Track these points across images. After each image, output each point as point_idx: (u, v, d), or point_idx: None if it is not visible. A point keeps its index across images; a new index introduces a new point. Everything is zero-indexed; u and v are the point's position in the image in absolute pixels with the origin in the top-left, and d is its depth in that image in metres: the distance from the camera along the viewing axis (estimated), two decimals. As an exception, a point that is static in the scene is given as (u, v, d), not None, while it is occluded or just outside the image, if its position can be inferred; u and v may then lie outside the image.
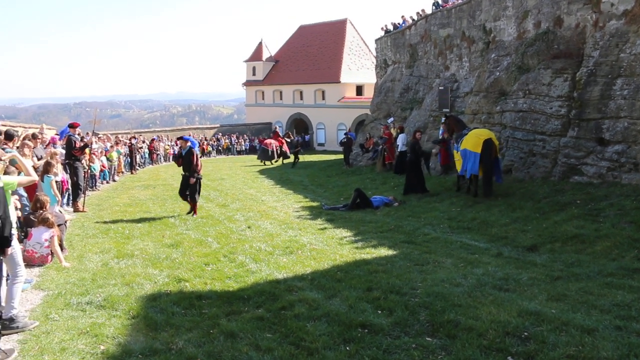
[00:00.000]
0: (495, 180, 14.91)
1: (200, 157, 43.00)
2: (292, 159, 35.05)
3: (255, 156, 39.20)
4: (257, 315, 6.57)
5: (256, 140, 51.39)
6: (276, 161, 35.90)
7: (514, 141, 17.03)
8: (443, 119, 19.82)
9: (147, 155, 35.34)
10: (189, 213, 14.89)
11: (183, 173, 14.98)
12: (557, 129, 15.23)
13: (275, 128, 42.33)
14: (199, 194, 15.21)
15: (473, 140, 14.94)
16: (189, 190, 14.80)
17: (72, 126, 16.23)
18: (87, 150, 16.77)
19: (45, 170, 11.70)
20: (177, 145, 41.18)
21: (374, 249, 10.24)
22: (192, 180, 14.69)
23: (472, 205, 14.51)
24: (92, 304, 7.15)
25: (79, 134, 16.78)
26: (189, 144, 15.07)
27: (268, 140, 36.98)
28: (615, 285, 7.32)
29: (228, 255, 9.89)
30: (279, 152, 35.88)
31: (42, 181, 11.54)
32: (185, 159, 14.96)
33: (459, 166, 16.17)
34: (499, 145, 16.06)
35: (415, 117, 26.16)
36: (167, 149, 39.40)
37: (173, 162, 38.16)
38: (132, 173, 29.17)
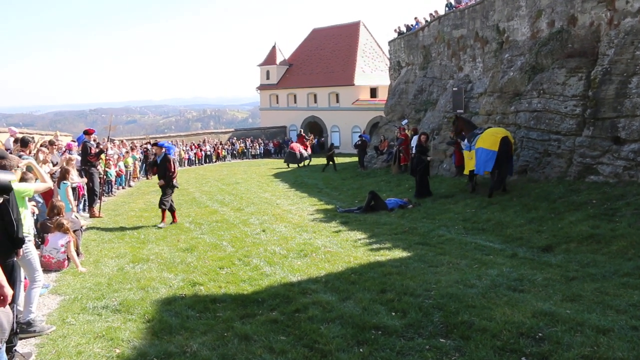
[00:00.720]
0: (509, 176, 15.65)
1: (215, 161, 43.10)
2: (308, 162, 35.74)
3: (270, 159, 39.26)
4: (271, 318, 6.60)
5: (271, 144, 51.57)
6: (302, 164, 36.16)
7: (528, 141, 16.94)
8: (453, 118, 19.87)
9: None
10: (171, 223, 14.24)
11: (158, 182, 14.33)
12: (572, 128, 15.14)
13: (301, 132, 42.41)
14: (166, 203, 14.15)
15: (490, 139, 15.28)
16: (161, 195, 14.21)
17: (87, 132, 16.41)
18: (102, 156, 16.92)
19: (63, 176, 11.85)
20: (191, 148, 41.46)
21: (388, 251, 10.24)
22: (161, 182, 14.13)
23: (487, 206, 14.45)
24: (107, 308, 7.24)
25: (94, 140, 16.96)
26: (163, 150, 14.35)
27: (294, 144, 37.17)
28: (631, 286, 7.26)
29: (243, 259, 9.94)
30: (304, 155, 36.20)
31: (59, 187, 11.68)
32: (161, 166, 14.23)
33: (470, 165, 16.47)
34: (514, 143, 16.29)
35: (429, 119, 26.11)
36: (183, 154, 39.65)
37: (188, 167, 38.72)
38: (147, 178, 29.35)
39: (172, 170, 14.10)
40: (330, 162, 32.19)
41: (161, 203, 14.15)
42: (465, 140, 17.11)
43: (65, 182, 11.73)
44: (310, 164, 36.37)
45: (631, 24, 14.19)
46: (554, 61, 16.82)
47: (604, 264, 8.66)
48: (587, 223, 11.01)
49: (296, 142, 38.14)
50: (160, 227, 13.65)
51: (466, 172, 17.18)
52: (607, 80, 14.23)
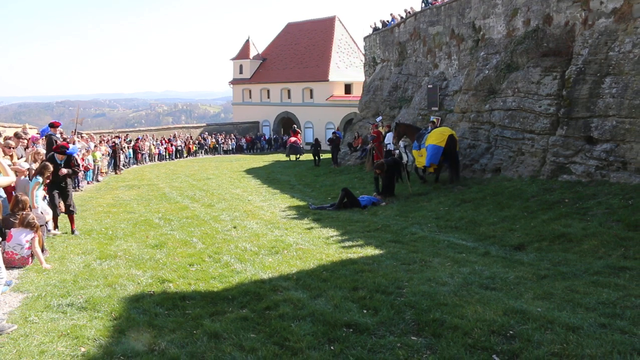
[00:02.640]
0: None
1: (186, 156, 43.05)
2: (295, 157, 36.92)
3: (243, 155, 39.19)
4: (241, 315, 6.58)
5: (243, 140, 51.32)
6: (298, 157, 37.30)
7: (502, 140, 17.15)
8: (431, 118, 20.09)
9: (131, 155, 35.19)
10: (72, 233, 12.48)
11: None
12: (546, 127, 15.36)
13: (294, 126, 42.58)
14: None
15: (439, 137, 17.48)
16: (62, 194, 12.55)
17: (53, 125, 16.13)
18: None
19: (40, 172, 11.43)
20: (162, 143, 41.12)
21: (360, 249, 10.28)
22: (63, 171, 12.27)
23: (460, 204, 14.60)
24: (73, 305, 7.13)
25: (61, 134, 16.69)
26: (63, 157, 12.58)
27: (292, 138, 37.81)
28: (601, 284, 7.40)
29: (213, 256, 9.88)
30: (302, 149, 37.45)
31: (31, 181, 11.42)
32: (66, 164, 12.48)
33: (422, 161, 18.56)
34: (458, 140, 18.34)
35: (404, 116, 26.25)
36: (153, 149, 39.28)
37: (158, 162, 38.37)
38: (116, 173, 29.04)
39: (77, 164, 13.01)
40: (316, 157, 32.56)
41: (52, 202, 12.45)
42: (415, 142, 19.36)
43: (38, 177, 11.42)
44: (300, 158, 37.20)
45: (605, 24, 14.45)
46: (529, 60, 17.05)
47: (574, 262, 8.81)
48: (559, 222, 11.20)
49: (292, 136, 38.79)
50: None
51: (420, 166, 19.11)
52: (580, 80, 14.46)
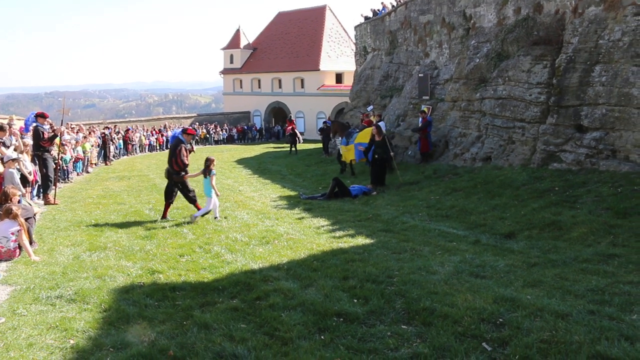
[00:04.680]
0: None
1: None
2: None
3: (234, 145, 39.06)
4: (231, 305, 6.58)
5: (234, 130, 51.15)
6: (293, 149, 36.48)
7: (493, 128, 17.18)
8: (422, 107, 20.14)
9: (121, 146, 35.02)
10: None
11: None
12: (536, 115, 15.39)
13: (290, 116, 42.37)
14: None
15: (369, 135, 18.87)
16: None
17: (42, 116, 15.97)
18: (57, 140, 16.52)
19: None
20: (152, 134, 40.93)
21: (351, 238, 10.29)
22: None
23: (451, 193, 14.64)
24: (62, 297, 7.10)
25: (50, 125, 16.55)
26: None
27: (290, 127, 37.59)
28: (590, 271, 7.45)
29: (203, 246, 9.88)
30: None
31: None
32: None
33: (349, 156, 21.00)
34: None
35: (395, 105, 26.24)
36: (144, 140, 39.09)
37: (148, 153, 38.21)
38: (106, 164, 28.90)
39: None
40: (292, 147, 32.54)
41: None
42: (343, 138, 21.89)
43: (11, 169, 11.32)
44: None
45: (595, 12, 14.44)
46: (519, 48, 17.05)
47: (564, 250, 8.86)
48: (549, 210, 11.24)
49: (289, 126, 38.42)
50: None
51: (347, 160, 21.54)
52: (571, 68, 14.48)
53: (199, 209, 13.02)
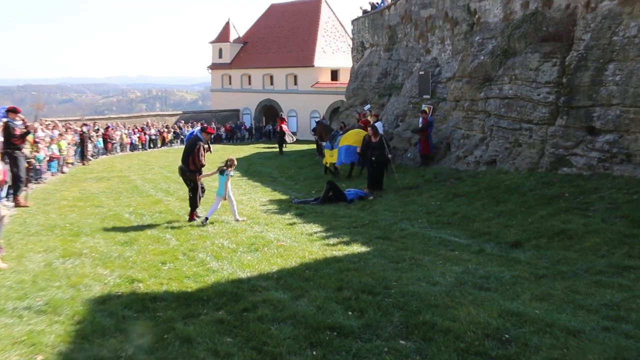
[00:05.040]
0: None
1: (160, 146, 42.59)
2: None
3: (222, 145, 39.02)
4: (216, 317, 6.54)
5: (223, 129, 51.08)
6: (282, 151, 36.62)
7: (498, 130, 17.16)
8: (423, 107, 20.13)
9: (100, 145, 34.86)
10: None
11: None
12: (544, 117, 15.37)
13: (281, 114, 42.37)
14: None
15: (354, 137, 20.24)
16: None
17: (14, 111, 15.78)
18: (29, 137, 16.36)
19: None
20: (134, 132, 40.77)
21: (346, 246, 10.27)
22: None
23: (453, 198, 14.61)
24: (30, 309, 6.99)
25: (22, 121, 16.40)
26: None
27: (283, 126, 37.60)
28: (604, 284, 7.39)
29: (187, 253, 9.86)
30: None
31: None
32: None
33: (332, 159, 21.61)
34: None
35: (394, 104, 26.25)
36: (125, 138, 38.92)
37: (130, 152, 38.06)
38: (83, 164, 28.73)
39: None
40: (280, 147, 32.94)
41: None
42: (327, 142, 22.47)
43: None
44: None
45: (609, 7, 14.43)
46: (527, 45, 17.03)
47: (575, 261, 8.80)
48: (559, 218, 11.20)
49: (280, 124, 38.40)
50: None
51: (329, 164, 22.31)
52: (582, 66, 14.47)
53: (192, 218, 13.18)
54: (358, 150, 19.71)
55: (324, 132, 24.43)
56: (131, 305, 7.08)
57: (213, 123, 51.35)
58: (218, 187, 13.37)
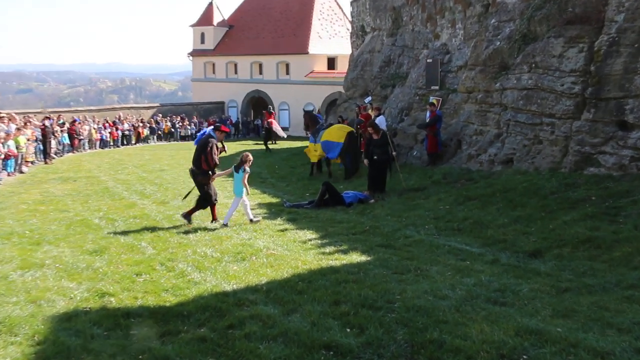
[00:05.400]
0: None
1: (135, 143, 42.51)
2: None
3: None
4: (198, 335, 6.56)
5: (205, 124, 50.98)
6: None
7: (516, 125, 17.18)
8: (431, 99, 20.17)
9: (66, 141, 34.78)
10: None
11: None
12: (569, 110, 15.36)
13: (270, 107, 42.39)
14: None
15: (337, 133, 21.40)
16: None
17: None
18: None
19: None
20: (105, 126, 40.73)
21: (344, 255, 10.30)
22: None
23: (464, 202, 14.65)
24: (-19, 329, 6.98)
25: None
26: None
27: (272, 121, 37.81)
28: (636, 300, 7.42)
29: (165, 263, 9.88)
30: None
31: None
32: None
33: (314, 156, 22.62)
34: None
35: (398, 96, 26.26)
36: (94, 133, 38.85)
37: (100, 150, 38.01)
38: (45, 163, 28.69)
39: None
40: (267, 144, 33.94)
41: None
42: (311, 135, 23.41)
43: None
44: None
45: (646, -17, 14.39)
46: (549, 29, 17.01)
47: (603, 273, 8.83)
48: (585, 224, 11.21)
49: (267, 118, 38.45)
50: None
51: (314, 160, 22.94)
52: (613, 52, 14.45)
53: (187, 216, 13.64)
54: (362, 149, 19.85)
55: (311, 122, 25.04)
56: (101, 322, 7.07)
57: (195, 117, 51.39)
58: (234, 186, 13.88)
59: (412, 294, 7.64)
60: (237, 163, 13.75)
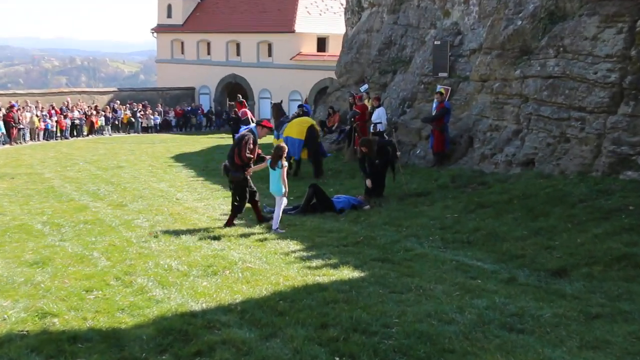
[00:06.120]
0: (323, 157, 22.94)
1: (87, 134, 42.50)
2: None
3: (171, 135, 39.01)
4: (160, 363, 6.53)
5: (172, 113, 50.96)
6: None
7: (539, 120, 17.20)
8: (438, 88, 20.24)
9: (2, 130, 34.64)
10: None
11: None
12: (603, 102, 15.34)
13: (239, 97, 42.32)
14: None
15: (297, 128, 22.10)
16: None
17: None
18: None
19: None
20: (50, 114, 40.54)
21: (333, 270, 10.30)
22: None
23: (475, 209, 14.68)
24: None
25: None
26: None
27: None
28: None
29: (122, 278, 9.85)
30: None
31: None
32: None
33: None
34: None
35: (399, 84, 26.30)
36: (37, 122, 38.63)
37: (44, 142, 37.80)
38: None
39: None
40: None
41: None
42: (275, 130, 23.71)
43: None
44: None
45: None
46: (582, 5, 16.95)
47: (642, 297, 8.87)
48: (620, 238, 11.21)
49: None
50: None
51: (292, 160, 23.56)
52: (659, 34, 14.48)
53: (231, 224, 14.23)
54: (357, 145, 19.81)
55: (278, 115, 26.99)
56: (41, 348, 7.04)
57: (159, 105, 51.29)
58: (271, 184, 14.32)
59: (412, 317, 7.66)
60: (271, 158, 14.10)
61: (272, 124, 15.71)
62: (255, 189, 14.63)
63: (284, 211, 15.91)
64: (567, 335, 7.18)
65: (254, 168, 14.51)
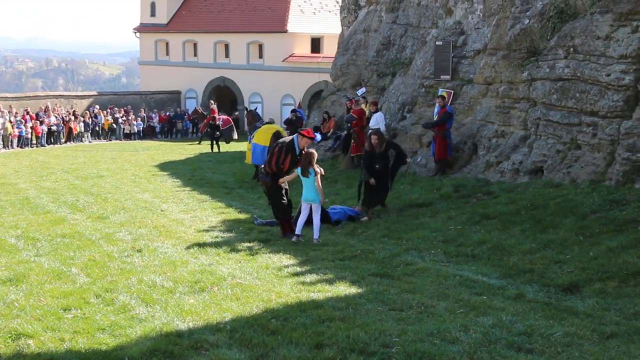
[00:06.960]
0: None
1: (65, 142, 42.48)
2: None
3: (155, 142, 39.09)
4: (142, 387, 6.52)
5: (156, 119, 50.96)
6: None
7: (547, 125, 17.23)
8: (440, 91, 20.26)
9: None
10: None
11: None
12: (617, 106, 15.36)
13: (211, 102, 42.32)
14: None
15: (264, 135, 22.68)
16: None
17: None
18: None
19: None
20: (25, 119, 40.55)
21: (328, 285, 10.31)
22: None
23: (480, 221, 14.70)
24: None
25: None
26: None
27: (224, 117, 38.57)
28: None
29: (103, 295, 9.79)
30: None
31: None
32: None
33: (249, 157, 24.54)
34: None
35: (399, 88, 26.33)
36: (10, 129, 38.61)
37: (18, 149, 37.79)
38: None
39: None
40: (213, 143, 35.95)
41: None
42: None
43: None
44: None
45: None
46: (594, 3, 17.04)
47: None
48: (636, 252, 11.18)
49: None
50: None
51: (247, 162, 25.33)
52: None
53: (286, 232, 14.73)
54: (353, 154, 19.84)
55: (253, 120, 27.99)
56: (15, 371, 7.01)
57: (143, 110, 51.28)
58: (304, 192, 14.57)
59: (413, 337, 7.64)
60: (300, 166, 14.38)
61: (314, 134, 15.82)
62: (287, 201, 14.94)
63: (270, 223, 16.01)
64: (579, 356, 7.16)
65: (285, 178, 14.79)
